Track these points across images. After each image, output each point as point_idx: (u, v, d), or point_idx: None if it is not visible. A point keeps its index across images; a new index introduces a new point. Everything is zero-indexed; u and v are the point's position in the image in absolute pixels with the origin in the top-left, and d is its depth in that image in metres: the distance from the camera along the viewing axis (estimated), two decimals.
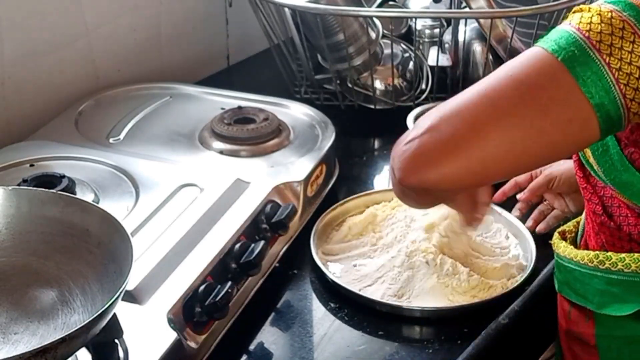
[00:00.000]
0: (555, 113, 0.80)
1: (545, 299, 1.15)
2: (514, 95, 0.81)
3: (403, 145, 0.86)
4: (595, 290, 0.99)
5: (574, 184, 1.17)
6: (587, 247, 1.04)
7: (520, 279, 1.15)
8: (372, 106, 1.66)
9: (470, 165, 0.82)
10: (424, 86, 1.70)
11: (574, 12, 0.84)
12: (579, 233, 1.09)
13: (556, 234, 1.09)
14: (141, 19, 1.68)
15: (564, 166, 1.24)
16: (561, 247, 1.05)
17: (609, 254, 0.96)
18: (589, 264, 0.98)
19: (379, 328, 1.10)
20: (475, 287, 1.14)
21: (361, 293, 1.13)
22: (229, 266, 1.10)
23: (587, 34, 0.80)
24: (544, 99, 0.80)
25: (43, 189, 1.02)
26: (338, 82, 1.66)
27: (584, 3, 1.55)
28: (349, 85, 1.66)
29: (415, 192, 0.88)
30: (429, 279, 1.14)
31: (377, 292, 1.13)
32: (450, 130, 0.82)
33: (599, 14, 0.81)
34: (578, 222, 1.10)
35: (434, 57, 1.65)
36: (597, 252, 0.98)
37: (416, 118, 1.46)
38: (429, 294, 1.13)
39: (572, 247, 1.05)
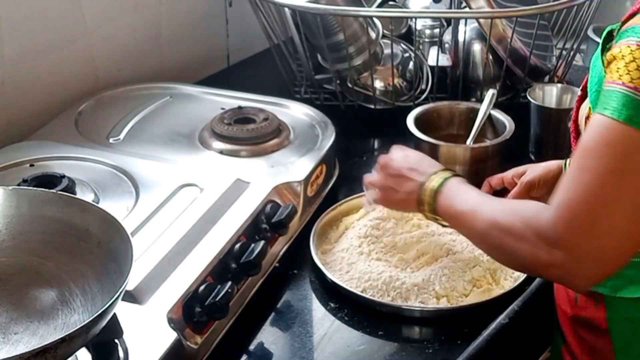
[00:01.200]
0: None
1: (545, 299, 1.15)
2: (619, 184, 0.86)
3: (561, 269, 0.89)
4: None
5: (551, 186, 1.20)
6: None
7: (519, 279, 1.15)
8: (372, 106, 1.66)
9: (620, 245, 0.88)
10: (424, 86, 1.70)
11: (609, 63, 0.88)
12: None
13: None
14: (141, 19, 1.68)
15: (539, 171, 1.25)
16: None
17: None
18: None
19: (378, 328, 1.10)
20: (476, 281, 1.15)
21: (361, 293, 1.13)
22: (229, 266, 1.10)
23: (633, 85, 0.84)
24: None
25: (43, 189, 1.02)
26: (338, 82, 1.66)
27: (583, 3, 1.56)
28: (349, 85, 1.66)
29: None
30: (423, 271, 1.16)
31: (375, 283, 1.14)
32: (595, 247, 0.87)
33: (633, 58, 0.85)
34: None
35: (434, 57, 1.65)
36: None
37: (416, 118, 1.46)
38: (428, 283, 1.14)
39: None
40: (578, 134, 1.00)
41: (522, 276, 1.15)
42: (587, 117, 0.95)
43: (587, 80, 1.01)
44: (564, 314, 1.09)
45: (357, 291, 1.13)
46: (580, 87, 1.02)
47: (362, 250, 1.20)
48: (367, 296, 1.12)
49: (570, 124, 1.02)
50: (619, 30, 0.93)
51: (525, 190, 1.25)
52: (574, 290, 0.97)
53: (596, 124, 0.87)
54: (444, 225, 1.13)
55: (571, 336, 1.08)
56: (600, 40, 0.96)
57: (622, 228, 0.86)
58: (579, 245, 0.87)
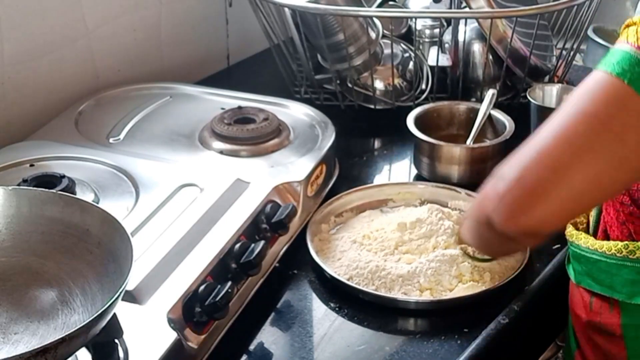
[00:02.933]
0: (632, 140, 0.81)
1: (545, 299, 1.15)
2: (588, 131, 0.82)
3: (496, 199, 0.88)
4: (624, 281, 0.99)
5: None
6: (606, 238, 1.04)
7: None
8: (372, 106, 1.66)
9: (563, 205, 0.84)
10: (424, 86, 1.70)
11: (627, 26, 0.84)
12: (592, 224, 1.08)
13: (569, 226, 1.08)
14: (141, 19, 1.68)
15: None
16: (582, 239, 1.05)
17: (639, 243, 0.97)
18: (617, 254, 0.99)
19: (379, 328, 1.10)
20: (462, 277, 1.16)
21: (359, 287, 1.13)
22: (229, 266, 1.10)
23: (638, 45, 0.81)
24: (617, 127, 0.81)
25: (43, 189, 1.02)
26: (338, 82, 1.66)
27: (583, 3, 1.56)
28: (349, 85, 1.66)
29: (518, 237, 0.90)
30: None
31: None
32: (535, 179, 0.85)
33: None
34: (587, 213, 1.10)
35: (434, 57, 1.65)
36: (627, 242, 0.98)
37: (416, 118, 1.46)
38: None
39: (593, 238, 1.04)
40: None
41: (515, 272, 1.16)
42: None
43: None
44: (578, 320, 1.08)
45: (344, 279, 1.14)
46: None
47: (356, 239, 1.22)
48: (364, 289, 1.13)
49: None
50: None
51: None
52: (497, 219, 0.91)
53: (588, 78, 0.84)
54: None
55: (585, 342, 1.07)
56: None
57: (576, 188, 0.82)
58: (525, 178, 0.85)
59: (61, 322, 0.92)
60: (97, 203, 1.15)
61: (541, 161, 0.85)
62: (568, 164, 0.83)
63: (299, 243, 1.23)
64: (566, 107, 0.85)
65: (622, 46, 0.83)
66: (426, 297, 1.13)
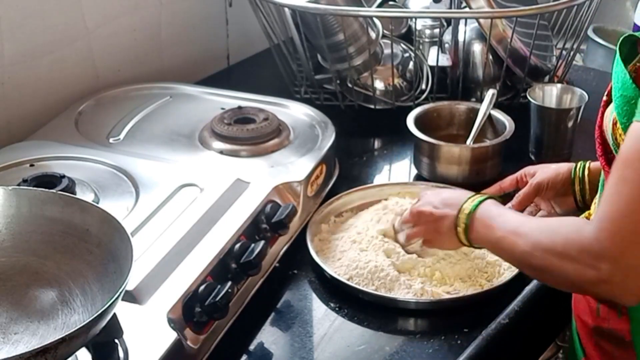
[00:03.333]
0: None
1: (545, 299, 1.15)
2: None
3: (600, 284, 0.88)
4: None
5: (559, 189, 1.22)
6: None
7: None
8: (372, 106, 1.66)
9: None
10: (424, 86, 1.70)
11: None
12: None
13: None
14: (141, 19, 1.68)
15: (548, 173, 1.25)
16: None
17: None
18: None
19: (379, 328, 1.10)
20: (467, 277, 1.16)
21: (359, 287, 1.13)
22: (229, 266, 1.10)
23: None
24: None
25: (43, 189, 1.02)
26: (338, 82, 1.66)
27: (583, 3, 1.56)
28: (349, 85, 1.66)
29: None
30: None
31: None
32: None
33: None
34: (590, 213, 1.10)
35: (434, 57, 1.65)
36: None
37: (416, 118, 1.46)
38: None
39: None
40: (604, 139, 0.97)
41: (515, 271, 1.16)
42: (615, 124, 0.93)
43: (612, 85, 1.00)
44: (584, 326, 1.07)
45: (344, 279, 1.14)
46: (606, 92, 1.00)
47: (355, 239, 1.22)
48: (364, 289, 1.13)
49: (596, 130, 1.00)
50: None
51: (533, 192, 1.25)
52: (624, 304, 0.95)
53: (635, 133, 0.85)
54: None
55: (592, 348, 1.06)
56: (616, 47, 0.94)
57: None
58: (625, 258, 0.85)
59: (61, 322, 0.92)
60: (97, 203, 1.15)
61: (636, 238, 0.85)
62: None
63: (299, 243, 1.23)
64: (629, 174, 0.85)
65: None
66: (426, 297, 1.13)
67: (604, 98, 1.00)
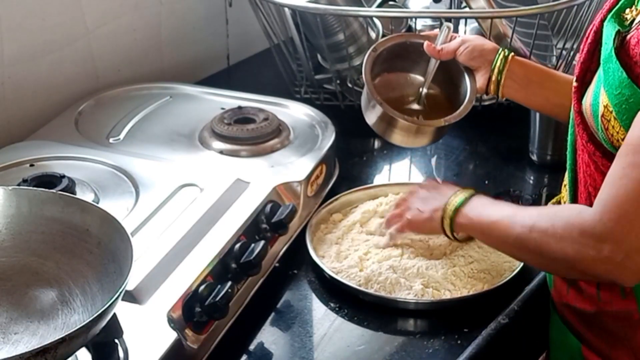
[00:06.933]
0: None
1: (545, 299, 1.15)
2: None
3: (607, 263, 0.90)
4: None
5: (476, 56, 1.24)
6: None
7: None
8: None
9: None
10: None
11: None
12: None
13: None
14: (141, 19, 1.68)
15: (477, 40, 1.28)
16: None
17: None
18: None
19: (379, 328, 1.10)
20: (475, 274, 1.16)
21: (359, 287, 1.13)
22: (229, 266, 1.10)
23: None
24: None
25: (43, 189, 1.02)
26: (338, 82, 1.66)
27: (583, 3, 1.56)
28: (349, 85, 1.66)
29: None
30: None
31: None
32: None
33: None
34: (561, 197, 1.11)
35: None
36: None
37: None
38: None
39: None
40: (585, 125, 0.99)
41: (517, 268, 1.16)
42: (602, 116, 0.93)
43: (580, 70, 1.01)
44: (579, 315, 1.07)
45: (344, 279, 1.14)
46: (575, 79, 1.02)
47: (356, 239, 1.22)
48: (362, 289, 1.13)
49: (575, 117, 1.01)
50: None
51: (457, 43, 1.27)
52: (622, 283, 0.95)
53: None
54: (459, 241, 1.15)
55: (593, 334, 1.07)
56: (610, 43, 0.94)
57: None
58: (629, 240, 0.87)
59: (61, 322, 0.92)
60: (97, 203, 1.15)
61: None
62: None
63: (299, 243, 1.23)
64: (638, 160, 0.87)
65: None
66: (426, 297, 1.12)
67: (575, 84, 1.01)
